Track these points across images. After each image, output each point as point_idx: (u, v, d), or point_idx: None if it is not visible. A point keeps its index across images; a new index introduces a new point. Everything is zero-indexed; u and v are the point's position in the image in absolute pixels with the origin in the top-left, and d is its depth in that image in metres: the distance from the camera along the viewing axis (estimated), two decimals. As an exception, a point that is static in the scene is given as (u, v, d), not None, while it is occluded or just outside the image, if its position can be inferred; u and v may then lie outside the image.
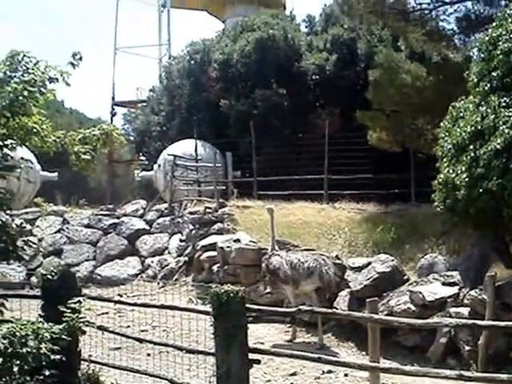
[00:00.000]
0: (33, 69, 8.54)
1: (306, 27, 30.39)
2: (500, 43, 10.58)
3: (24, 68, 8.57)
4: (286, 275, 12.43)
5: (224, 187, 22.94)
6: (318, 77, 26.19)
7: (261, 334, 13.05)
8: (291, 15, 31.97)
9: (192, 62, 28.88)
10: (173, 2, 42.47)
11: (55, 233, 21.94)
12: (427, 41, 20.19)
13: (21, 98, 8.39)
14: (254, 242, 15.88)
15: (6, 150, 8.40)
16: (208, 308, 7.91)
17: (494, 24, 11.35)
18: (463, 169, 10.02)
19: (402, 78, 19.65)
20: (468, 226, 11.90)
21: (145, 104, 33.93)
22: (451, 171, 10.31)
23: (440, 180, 10.69)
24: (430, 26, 20.36)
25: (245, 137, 24.24)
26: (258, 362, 8.06)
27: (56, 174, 26.88)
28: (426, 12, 20.34)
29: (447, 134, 11.07)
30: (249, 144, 23.67)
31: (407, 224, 16.60)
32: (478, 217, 10.20)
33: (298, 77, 26.03)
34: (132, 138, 33.81)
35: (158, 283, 18.49)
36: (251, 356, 7.91)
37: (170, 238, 21.01)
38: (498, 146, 9.41)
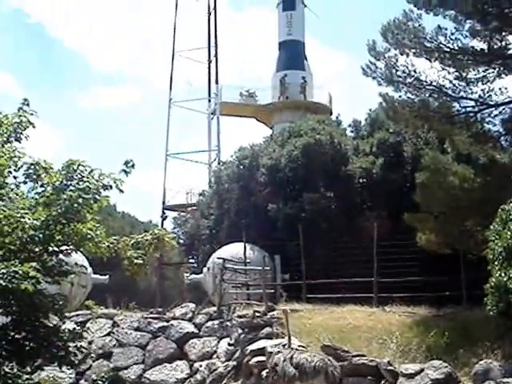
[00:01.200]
0: (87, 177, 8.84)
1: (352, 132, 30.83)
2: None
3: (79, 176, 8.88)
4: (284, 373, 12.22)
5: (273, 290, 22.77)
6: (364, 180, 26.31)
7: None
8: (337, 120, 32.51)
9: (241, 166, 29.37)
10: (222, 109, 43.63)
11: (105, 336, 21.89)
12: (473, 143, 20.29)
13: (76, 205, 8.65)
14: (303, 347, 15.57)
15: (61, 255, 8.60)
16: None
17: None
18: (516, 272, 9.83)
19: (449, 180, 19.62)
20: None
21: (195, 208, 34.39)
22: (503, 275, 10.13)
23: (492, 283, 10.48)
24: (476, 128, 20.49)
25: (293, 240, 24.21)
26: None
27: (107, 276, 27.10)
28: (471, 115, 20.50)
29: (497, 236, 10.94)
30: (297, 247, 23.62)
31: (460, 328, 16.14)
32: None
33: (345, 180, 26.20)
34: (182, 241, 34.08)
35: (207, 388, 18.15)
36: None
37: (218, 341, 20.73)
38: (550, 249, 9.24)
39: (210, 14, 44.45)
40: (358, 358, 13.66)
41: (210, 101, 43.83)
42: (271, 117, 44.75)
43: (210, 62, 43.99)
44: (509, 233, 10.32)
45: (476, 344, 14.74)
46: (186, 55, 43.73)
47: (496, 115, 20.35)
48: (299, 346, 15.65)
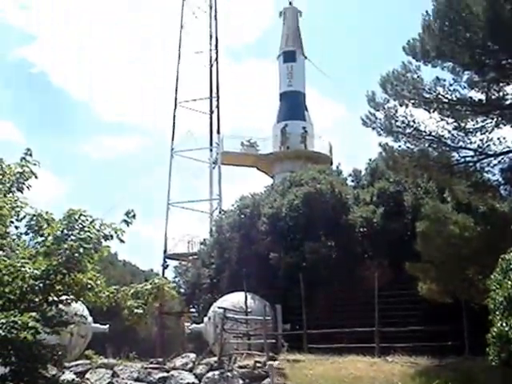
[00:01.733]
0: (88, 227, 8.85)
1: (353, 181, 30.97)
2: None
3: (80, 226, 8.88)
4: None
5: (274, 340, 22.56)
6: (365, 229, 26.29)
7: None
8: (338, 170, 32.68)
9: (242, 215, 29.38)
10: (223, 159, 43.84)
11: (105, 386, 21.59)
12: (473, 192, 20.35)
13: (77, 255, 8.64)
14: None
15: (61, 305, 8.55)
16: None
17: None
18: (517, 322, 9.75)
19: (449, 229, 19.62)
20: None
21: (196, 257, 34.28)
22: (504, 324, 10.04)
23: (493, 333, 10.38)
24: (475, 177, 20.59)
25: (294, 289, 24.08)
26: None
27: (107, 326, 26.86)
28: (470, 164, 20.61)
29: (498, 286, 10.89)
30: (298, 296, 23.49)
31: (462, 378, 15.97)
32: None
33: (346, 229, 26.18)
34: (183, 291, 33.89)
35: None
36: None
37: (219, 392, 20.46)
38: (552, 299, 9.18)
39: (211, 65, 45.01)
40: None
41: (211, 150, 44.07)
42: (272, 166, 44.93)
43: (211, 112, 44.36)
44: (509, 282, 10.27)
45: (479, 395, 14.58)
46: (188, 105, 44.18)
47: (495, 165, 20.47)
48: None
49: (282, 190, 29.43)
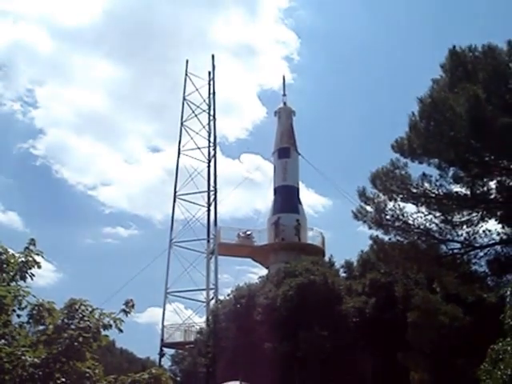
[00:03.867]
0: (88, 316, 8.76)
1: (345, 272, 30.91)
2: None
3: (80, 316, 8.80)
4: None
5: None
6: (358, 319, 26.04)
7: None
8: (330, 261, 32.64)
9: (238, 305, 29.10)
10: (220, 249, 43.79)
11: None
12: (461, 283, 20.33)
13: (76, 343, 8.52)
14: None
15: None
16: None
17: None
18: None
19: (439, 319, 19.50)
20: None
21: (192, 346, 33.73)
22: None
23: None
24: (463, 269, 20.63)
25: (289, 378, 23.64)
26: None
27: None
28: (458, 256, 20.69)
29: (488, 376, 10.71)
30: (293, 385, 23.04)
31: None
32: None
33: (339, 319, 25.92)
34: (179, 379, 33.21)
35: None
36: None
37: None
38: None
39: (209, 160, 45.70)
40: None
41: (208, 241, 44.08)
42: (267, 257, 44.80)
43: (209, 204, 44.68)
44: (499, 372, 10.12)
45: None
46: (188, 198, 44.57)
47: (481, 256, 20.56)
48: None
49: (277, 281, 29.29)
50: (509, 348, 10.45)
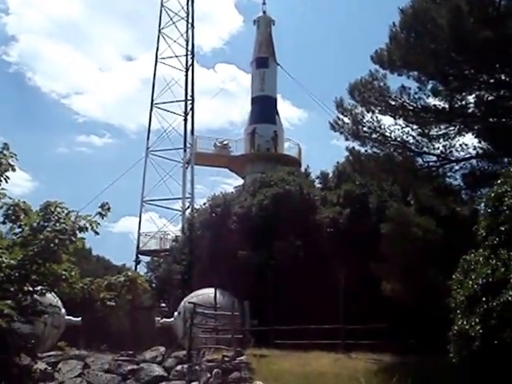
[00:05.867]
0: (64, 219, 8.70)
1: (320, 183, 30.99)
2: (506, 199, 10.65)
3: (56, 218, 8.74)
4: None
5: (241, 335, 22.46)
6: (332, 229, 26.29)
7: None
8: (306, 172, 32.71)
9: (213, 214, 29.24)
10: (197, 159, 43.69)
11: (76, 377, 21.36)
12: (435, 196, 20.52)
13: (52, 245, 8.49)
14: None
15: (35, 295, 8.38)
16: None
17: (498, 181, 11.49)
18: (477, 320, 9.75)
19: (412, 231, 19.73)
20: (486, 378, 11.38)
21: (168, 253, 34.05)
22: (465, 322, 10.04)
23: (454, 331, 10.39)
24: (438, 182, 20.77)
25: (262, 286, 24.02)
26: None
27: (80, 318, 26.53)
28: (434, 169, 20.78)
29: (459, 286, 10.91)
30: (266, 293, 23.44)
31: (424, 375, 15.98)
32: (494, 368, 9.79)
33: (314, 229, 26.17)
34: (154, 286, 33.63)
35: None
36: None
37: (187, 385, 20.34)
38: (510, 298, 9.20)
39: (187, 69, 44.88)
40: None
41: (185, 151, 43.84)
42: (243, 167, 44.89)
43: (186, 114, 44.17)
44: (470, 282, 10.29)
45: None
46: (164, 107, 44.01)
47: (457, 170, 20.70)
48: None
49: (253, 191, 29.36)
50: (480, 258, 10.60)
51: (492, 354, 9.42)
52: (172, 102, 43.97)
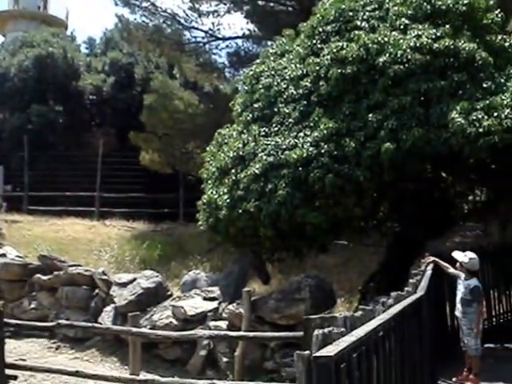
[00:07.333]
0: None
1: (87, 48, 29.62)
2: (262, 78, 10.93)
3: None
4: None
5: (-6, 200, 21.49)
6: (95, 97, 25.52)
7: (24, 350, 12.13)
8: (72, 36, 30.98)
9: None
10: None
11: None
12: (200, 71, 20.69)
13: None
14: (20, 257, 14.89)
15: None
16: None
17: (258, 61, 11.73)
18: (225, 190, 10.12)
19: (175, 104, 19.82)
20: (230, 245, 12.04)
21: None
22: (214, 192, 10.37)
23: (204, 200, 10.72)
24: (204, 58, 20.87)
25: (18, 151, 22.90)
26: (15, 378, 7.50)
27: None
28: (201, 45, 20.83)
29: (212, 158, 11.17)
30: (21, 158, 22.44)
31: (174, 242, 16.62)
32: (237, 236, 10.32)
33: (76, 95, 25.18)
34: None
35: None
36: (8, 372, 7.34)
37: None
38: (257, 171, 9.60)
39: None
40: (73, 268, 13.38)
41: None
42: (5, 24, 41.40)
43: None
44: (222, 155, 10.58)
45: (188, 257, 15.33)
46: None
47: (223, 48, 20.98)
48: (16, 256, 14.97)
49: (13, 50, 27.21)
50: (234, 133, 10.87)
51: (236, 222, 9.89)
52: None
